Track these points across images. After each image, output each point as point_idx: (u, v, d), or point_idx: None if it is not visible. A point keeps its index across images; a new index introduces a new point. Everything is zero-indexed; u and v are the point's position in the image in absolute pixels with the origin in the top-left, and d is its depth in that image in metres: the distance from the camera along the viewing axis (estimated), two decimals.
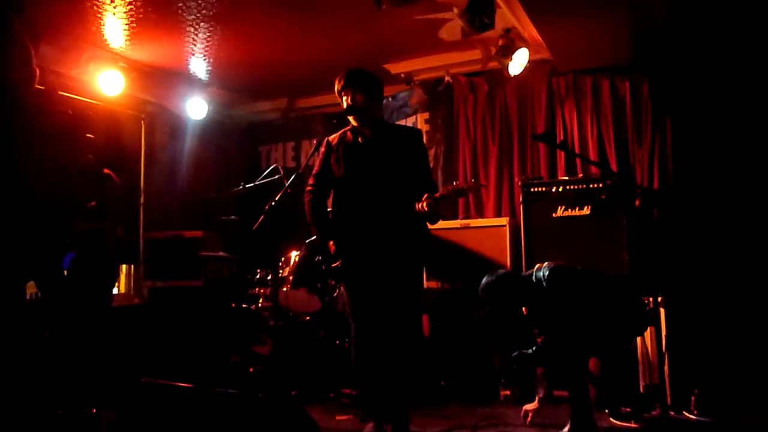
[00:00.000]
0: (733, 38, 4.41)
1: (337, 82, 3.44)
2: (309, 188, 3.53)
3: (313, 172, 3.55)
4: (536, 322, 3.49)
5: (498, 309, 3.68)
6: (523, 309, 3.60)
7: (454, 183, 3.31)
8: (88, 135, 4.45)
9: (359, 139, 3.45)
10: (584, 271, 3.43)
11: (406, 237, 3.32)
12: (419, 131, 3.74)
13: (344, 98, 3.42)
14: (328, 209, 3.57)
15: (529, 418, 3.65)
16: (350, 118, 3.44)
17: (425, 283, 4.79)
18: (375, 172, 3.36)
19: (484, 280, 3.44)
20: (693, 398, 3.77)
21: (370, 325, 3.41)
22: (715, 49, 4.51)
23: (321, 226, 3.48)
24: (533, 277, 3.38)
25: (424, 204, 3.16)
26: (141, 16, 4.38)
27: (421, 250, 3.42)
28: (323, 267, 3.59)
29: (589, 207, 4.30)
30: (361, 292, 3.41)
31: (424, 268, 4.67)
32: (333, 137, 3.53)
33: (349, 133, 3.50)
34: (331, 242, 3.42)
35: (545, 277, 3.33)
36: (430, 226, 3.40)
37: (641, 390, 3.98)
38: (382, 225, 3.28)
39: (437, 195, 3.19)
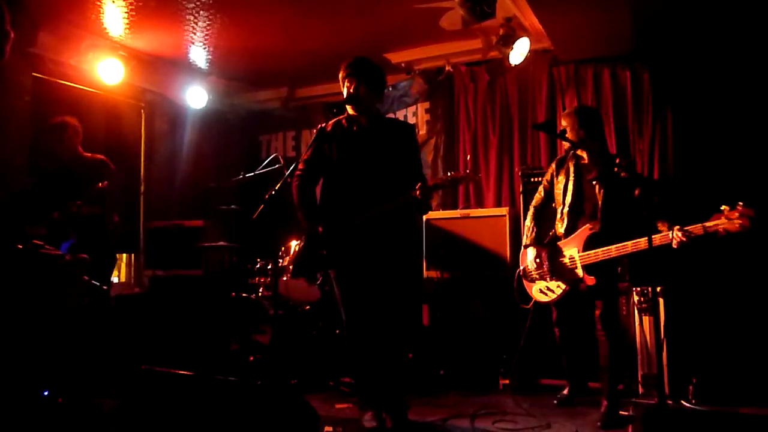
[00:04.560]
0: (735, 27, 4.39)
1: (343, 69, 3.42)
2: (298, 173, 3.49)
3: (303, 158, 3.52)
4: None
5: None
6: None
7: (450, 173, 3.32)
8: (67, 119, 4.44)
9: (354, 128, 3.45)
10: None
11: (394, 225, 3.33)
12: (412, 126, 3.77)
13: (346, 85, 3.40)
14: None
15: None
16: (348, 107, 3.43)
17: (425, 273, 4.81)
18: (368, 159, 3.36)
19: None
20: (691, 388, 3.79)
21: (360, 313, 3.40)
22: (716, 38, 4.48)
23: (309, 212, 3.44)
24: None
25: (417, 192, 3.17)
26: (140, 4, 4.36)
27: (408, 238, 3.43)
28: (306, 254, 3.55)
29: None
30: (351, 280, 3.40)
31: (424, 259, 4.71)
32: (327, 124, 3.53)
33: (344, 121, 3.50)
34: (320, 228, 3.40)
35: None
36: (427, 216, 3.42)
37: (639, 379, 4.00)
38: (371, 211, 3.28)
39: (431, 183, 3.21)
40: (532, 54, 4.87)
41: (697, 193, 4.27)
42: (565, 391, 3.93)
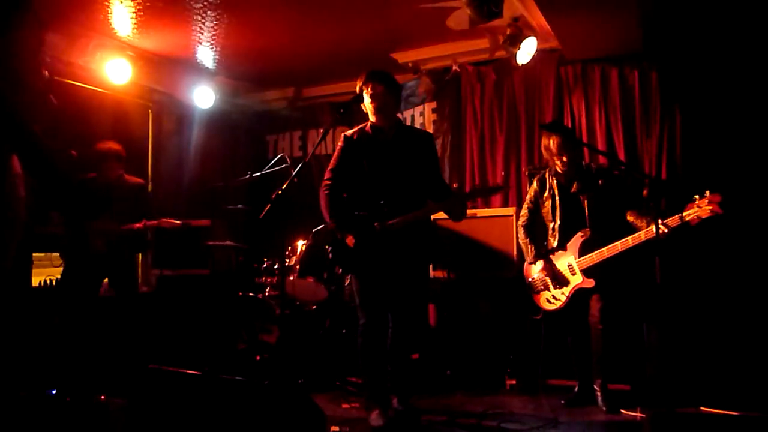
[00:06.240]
0: (744, 26, 4.36)
1: (360, 79, 3.53)
2: (326, 182, 3.56)
3: (330, 167, 3.60)
4: None
5: None
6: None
7: (495, 182, 3.47)
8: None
9: (379, 137, 3.53)
10: None
11: (417, 232, 3.44)
12: (432, 135, 3.90)
13: (369, 91, 3.49)
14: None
15: None
16: (372, 116, 3.51)
17: (431, 273, 4.81)
18: (395, 169, 3.45)
19: None
20: (700, 391, 3.76)
21: (379, 315, 3.49)
22: (725, 37, 4.45)
23: (341, 222, 3.50)
24: None
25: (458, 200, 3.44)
26: (148, 4, 4.38)
27: (430, 244, 3.59)
28: (331, 257, 3.63)
29: None
30: (374, 283, 3.48)
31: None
32: (351, 132, 3.61)
33: (368, 129, 3.57)
34: (351, 237, 3.45)
35: None
36: (434, 216, 3.51)
37: (648, 381, 3.98)
38: (411, 215, 3.38)
39: (468, 191, 3.35)
40: (540, 53, 4.85)
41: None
42: (576, 391, 3.92)
